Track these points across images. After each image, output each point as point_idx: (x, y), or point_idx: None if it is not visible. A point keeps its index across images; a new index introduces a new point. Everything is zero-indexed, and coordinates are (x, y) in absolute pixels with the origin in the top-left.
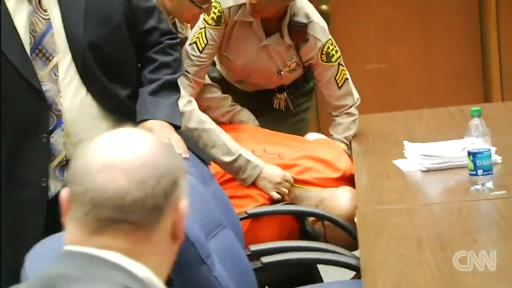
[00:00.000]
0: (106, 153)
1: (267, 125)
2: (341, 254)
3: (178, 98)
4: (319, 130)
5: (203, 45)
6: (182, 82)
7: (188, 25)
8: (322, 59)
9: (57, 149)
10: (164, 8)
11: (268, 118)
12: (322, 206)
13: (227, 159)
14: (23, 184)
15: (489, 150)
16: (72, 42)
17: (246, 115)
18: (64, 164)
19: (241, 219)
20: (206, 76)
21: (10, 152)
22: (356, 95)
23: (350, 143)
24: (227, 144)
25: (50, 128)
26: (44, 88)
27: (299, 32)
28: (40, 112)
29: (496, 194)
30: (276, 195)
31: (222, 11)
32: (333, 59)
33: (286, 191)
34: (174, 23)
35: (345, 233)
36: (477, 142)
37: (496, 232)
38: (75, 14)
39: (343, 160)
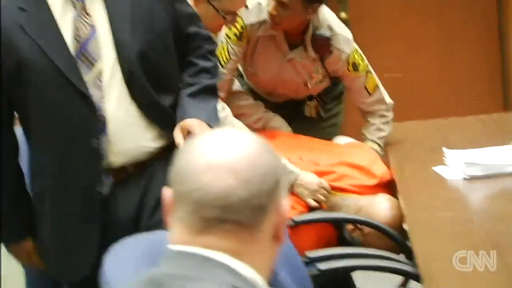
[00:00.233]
0: (210, 153)
1: (298, 132)
2: (397, 261)
3: (216, 103)
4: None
5: (225, 61)
6: None
7: None
8: (349, 69)
9: (104, 156)
10: None
11: (300, 125)
12: (360, 214)
13: None
14: (77, 191)
15: None
16: (119, 48)
17: (279, 121)
18: (110, 169)
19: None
20: (238, 83)
21: (60, 158)
22: (388, 99)
23: (383, 145)
24: None
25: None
26: (91, 92)
27: (323, 45)
28: (88, 117)
29: None
30: (313, 203)
31: (245, 27)
32: (360, 68)
33: (324, 198)
34: None
35: (385, 241)
36: None
37: None
38: (121, 19)
39: (378, 165)
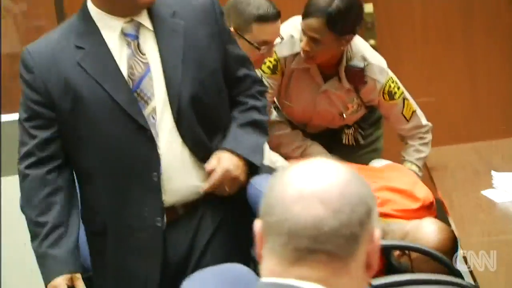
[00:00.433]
0: (300, 183)
1: (338, 161)
2: (462, 285)
3: (263, 140)
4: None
5: None
6: None
7: None
8: (385, 98)
9: None
10: None
11: (339, 154)
12: (407, 239)
13: None
14: (137, 227)
15: None
16: (169, 87)
17: (317, 148)
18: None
19: None
20: (275, 113)
21: (121, 194)
22: (425, 122)
23: (422, 166)
24: None
25: None
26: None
27: (357, 76)
28: (149, 150)
29: None
30: None
31: (278, 60)
32: (396, 96)
33: None
34: None
35: (432, 264)
36: None
37: None
38: (173, 58)
39: (419, 188)
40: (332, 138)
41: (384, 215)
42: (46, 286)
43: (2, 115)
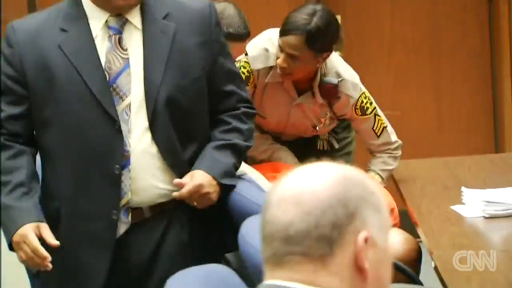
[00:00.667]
0: (283, 187)
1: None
2: None
3: (238, 165)
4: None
5: None
6: None
7: None
8: (357, 113)
9: (123, 190)
10: None
11: (314, 159)
12: None
13: None
14: (92, 216)
15: None
16: (148, 87)
17: (284, 152)
18: (129, 208)
19: None
20: None
21: (80, 181)
22: (395, 139)
23: (386, 178)
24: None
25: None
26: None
27: (330, 92)
28: (115, 142)
29: None
30: None
31: (251, 72)
32: (368, 112)
33: None
34: None
35: (396, 276)
36: None
37: None
38: (156, 59)
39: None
40: (307, 144)
41: None
42: (11, 238)
43: None
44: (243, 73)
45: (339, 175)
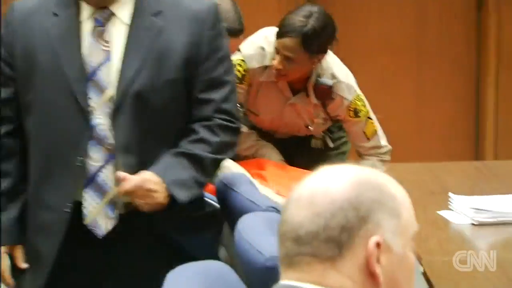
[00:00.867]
0: (302, 188)
1: (307, 164)
2: None
3: (201, 178)
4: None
5: None
6: None
7: None
8: (350, 115)
9: (107, 186)
10: None
11: (307, 157)
12: None
13: None
14: (47, 207)
15: None
16: (121, 80)
17: (269, 149)
18: (115, 203)
19: None
20: None
21: (44, 170)
22: (385, 143)
23: None
24: None
25: (102, 163)
26: (96, 121)
27: (325, 93)
28: (82, 134)
29: None
30: None
31: (247, 71)
32: (361, 114)
33: None
34: None
35: None
36: None
37: None
38: (135, 53)
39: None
40: (301, 142)
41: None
42: None
43: None
44: (238, 71)
45: (355, 177)
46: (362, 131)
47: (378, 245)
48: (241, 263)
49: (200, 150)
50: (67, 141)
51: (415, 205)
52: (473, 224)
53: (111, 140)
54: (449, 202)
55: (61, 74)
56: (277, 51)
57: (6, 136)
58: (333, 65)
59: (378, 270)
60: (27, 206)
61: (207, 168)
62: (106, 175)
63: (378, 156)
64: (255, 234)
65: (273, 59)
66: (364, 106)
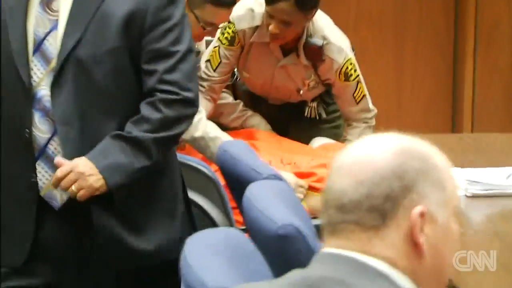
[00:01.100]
0: (344, 156)
1: (299, 134)
2: None
3: (138, 162)
4: None
5: (216, 64)
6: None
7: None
8: (340, 78)
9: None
10: None
11: (300, 127)
12: None
13: None
14: (11, 179)
15: None
16: (60, 50)
17: (257, 119)
18: None
19: None
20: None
21: (5, 142)
22: (372, 107)
23: None
24: None
25: (49, 136)
26: (42, 92)
27: (315, 53)
28: (23, 105)
29: None
30: None
31: (236, 32)
32: (351, 78)
33: (301, 196)
34: None
35: None
36: None
37: None
38: (78, 21)
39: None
40: (295, 110)
41: (320, 190)
42: None
43: None
44: (228, 33)
45: (399, 146)
46: (352, 94)
47: (422, 215)
48: (251, 231)
49: (139, 131)
50: (16, 114)
51: None
52: (466, 196)
53: (51, 111)
54: None
55: (7, 46)
56: (271, 16)
57: None
58: (324, 27)
59: (421, 239)
60: None
61: (147, 149)
62: (55, 148)
63: (365, 122)
64: (266, 202)
65: (268, 24)
66: (355, 70)
